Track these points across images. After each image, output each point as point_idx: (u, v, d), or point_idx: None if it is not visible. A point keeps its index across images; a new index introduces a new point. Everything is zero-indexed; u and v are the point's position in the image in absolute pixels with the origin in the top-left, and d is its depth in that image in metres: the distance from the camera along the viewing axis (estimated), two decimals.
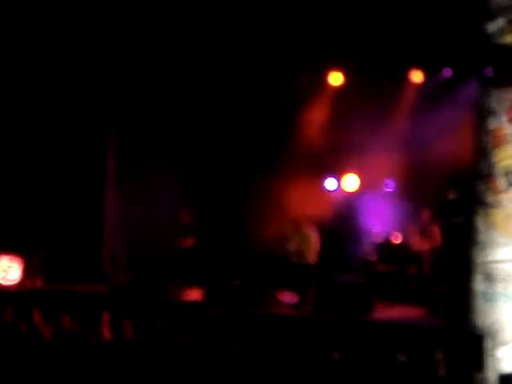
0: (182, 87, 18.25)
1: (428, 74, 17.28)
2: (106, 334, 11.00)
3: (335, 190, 18.86)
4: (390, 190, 18.08)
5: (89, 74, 17.68)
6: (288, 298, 15.96)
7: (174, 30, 16.98)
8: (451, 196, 14.68)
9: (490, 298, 12.50)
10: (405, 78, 17.45)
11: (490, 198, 12.61)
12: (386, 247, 16.81)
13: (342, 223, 18.16)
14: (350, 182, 18.47)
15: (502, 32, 12.51)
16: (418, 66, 17.18)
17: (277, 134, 18.54)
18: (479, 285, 12.62)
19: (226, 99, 18.56)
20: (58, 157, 18.06)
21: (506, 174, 12.49)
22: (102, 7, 16.58)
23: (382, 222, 17.71)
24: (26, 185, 17.86)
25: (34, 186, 17.89)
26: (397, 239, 16.88)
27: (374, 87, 17.38)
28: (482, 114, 12.69)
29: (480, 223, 12.65)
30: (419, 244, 15.96)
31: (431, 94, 17.29)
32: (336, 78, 17.97)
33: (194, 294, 16.30)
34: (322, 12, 15.61)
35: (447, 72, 16.93)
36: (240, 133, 18.97)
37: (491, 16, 12.60)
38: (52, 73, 17.60)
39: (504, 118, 12.51)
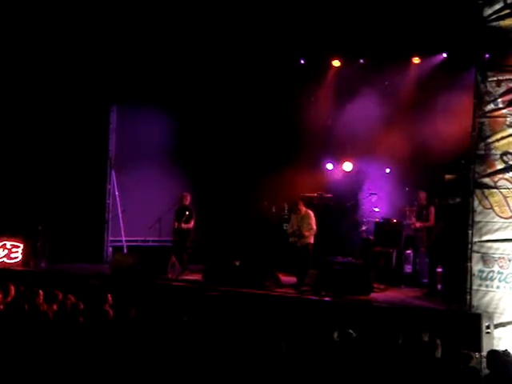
0: (183, 74, 18.40)
1: (426, 59, 17.40)
2: (109, 313, 11.08)
3: (334, 172, 18.97)
4: (388, 171, 18.18)
5: (91, 62, 17.84)
6: (286, 278, 16.06)
7: (175, 19, 17.16)
8: (449, 177, 14.77)
9: (486, 277, 12.64)
10: (403, 63, 17.57)
11: (486, 180, 12.73)
12: (383, 228, 16.89)
13: (340, 205, 18.26)
14: (347, 165, 18.62)
15: (498, 15, 12.61)
16: (416, 51, 17.31)
17: (276, 117, 18.66)
18: (476, 264, 12.76)
19: (226, 84, 18.68)
20: (60, 141, 18.15)
21: (503, 155, 12.60)
22: None
23: (379, 204, 17.83)
24: (29, 168, 17.96)
25: (37, 170, 17.99)
26: (394, 220, 17.00)
27: (373, 72, 17.51)
28: (479, 97, 12.79)
29: (477, 204, 12.77)
30: (416, 225, 16.07)
31: (428, 78, 17.39)
32: (336, 62, 18.22)
33: (194, 275, 16.43)
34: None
35: (445, 56, 17.06)
36: (239, 117, 19.07)
37: (488, 0, 12.69)
38: (55, 60, 17.76)
39: (500, 101, 12.63)
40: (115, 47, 17.88)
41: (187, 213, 17.04)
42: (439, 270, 15.18)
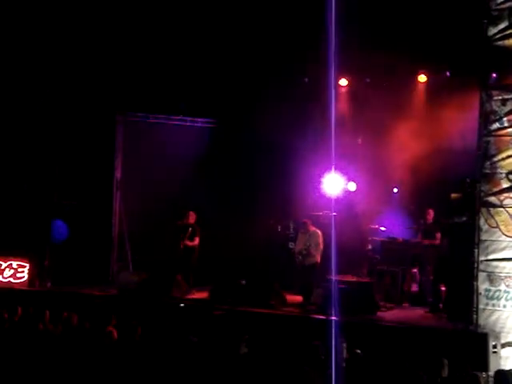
0: (189, 89, 18.48)
1: (432, 77, 17.42)
2: (114, 334, 11.08)
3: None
4: (396, 191, 18.17)
5: (96, 82, 17.96)
6: (292, 297, 16.05)
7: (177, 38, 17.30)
8: (454, 196, 14.76)
9: (492, 296, 12.61)
10: (409, 81, 17.59)
11: (492, 198, 12.73)
12: (389, 247, 16.85)
13: (346, 223, 18.21)
14: (352, 185, 18.52)
15: (503, 35, 12.64)
16: (423, 69, 17.35)
17: (279, 133, 18.61)
18: (482, 283, 12.73)
19: (231, 100, 18.73)
20: (66, 161, 18.21)
21: (508, 174, 12.61)
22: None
23: (386, 223, 17.78)
24: (36, 188, 18.01)
25: (43, 190, 18.04)
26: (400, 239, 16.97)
27: (379, 90, 17.48)
28: (485, 116, 12.81)
29: (483, 223, 12.77)
30: (422, 243, 16.05)
31: (435, 96, 17.39)
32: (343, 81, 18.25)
33: (200, 294, 16.42)
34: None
35: (450, 75, 17.08)
36: (244, 132, 19.07)
37: (493, 19, 12.72)
38: (59, 78, 17.88)
39: (506, 120, 12.65)
40: (120, 65, 17.96)
41: (190, 229, 17.03)
42: (445, 288, 15.18)
